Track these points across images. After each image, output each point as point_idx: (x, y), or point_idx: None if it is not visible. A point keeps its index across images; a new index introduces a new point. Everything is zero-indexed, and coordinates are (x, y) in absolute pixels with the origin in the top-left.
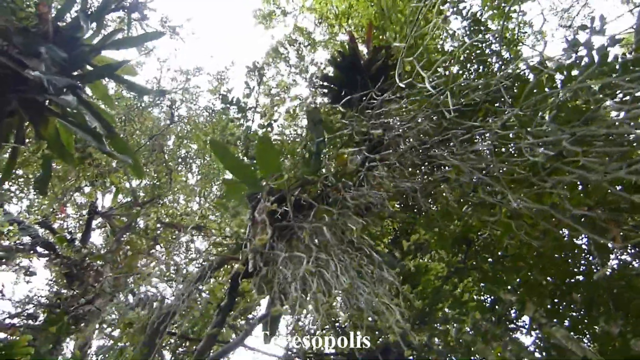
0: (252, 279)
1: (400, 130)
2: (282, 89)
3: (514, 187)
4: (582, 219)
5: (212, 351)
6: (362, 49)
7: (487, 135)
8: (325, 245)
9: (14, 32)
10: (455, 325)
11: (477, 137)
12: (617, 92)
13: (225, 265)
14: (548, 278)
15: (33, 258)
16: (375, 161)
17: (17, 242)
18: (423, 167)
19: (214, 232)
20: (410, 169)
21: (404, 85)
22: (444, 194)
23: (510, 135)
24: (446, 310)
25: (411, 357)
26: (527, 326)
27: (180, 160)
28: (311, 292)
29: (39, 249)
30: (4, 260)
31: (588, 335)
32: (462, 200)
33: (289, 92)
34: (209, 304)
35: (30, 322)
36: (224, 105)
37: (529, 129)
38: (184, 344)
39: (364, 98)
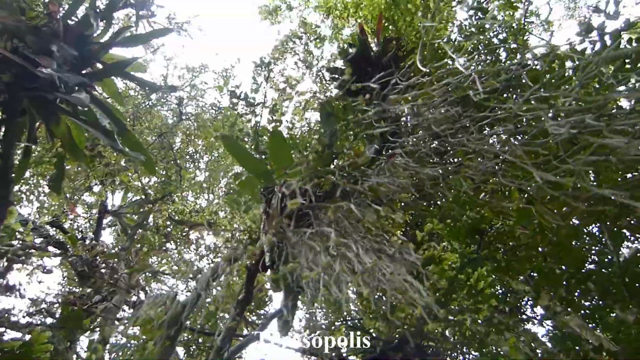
0: (268, 272)
1: (418, 118)
2: (290, 85)
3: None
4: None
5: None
6: (370, 40)
7: (504, 120)
8: (343, 235)
9: (26, 31)
10: (470, 315)
11: (495, 123)
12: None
13: (241, 260)
14: (563, 267)
15: (48, 257)
16: (393, 148)
17: (29, 242)
18: (438, 156)
19: (225, 228)
20: (428, 157)
21: (428, 70)
22: (458, 183)
23: (528, 116)
24: (460, 300)
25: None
26: (539, 317)
27: (187, 157)
28: (334, 273)
29: (51, 249)
30: (22, 259)
31: (601, 325)
32: (478, 188)
33: (297, 87)
34: (225, 298)
35: (47, 319)
36: (232, 101)
37: (551, 108)
38: (198, 339)
39: (378, 87)
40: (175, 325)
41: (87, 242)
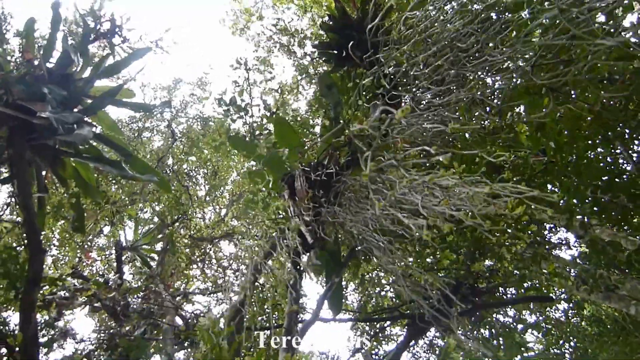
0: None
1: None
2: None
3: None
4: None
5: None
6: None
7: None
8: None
9: (12, 82)
10: (509, 249)
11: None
12: None
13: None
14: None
15: (93, 297)
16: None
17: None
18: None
19: (257, 223)
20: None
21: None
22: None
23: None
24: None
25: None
26: (565, 241)
27: (185, 175)
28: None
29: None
30: (69, 302)
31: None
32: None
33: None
34: (274, 288)
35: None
36: (223, 109)
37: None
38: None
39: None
40: (240, 321)
41: (111, 282)
